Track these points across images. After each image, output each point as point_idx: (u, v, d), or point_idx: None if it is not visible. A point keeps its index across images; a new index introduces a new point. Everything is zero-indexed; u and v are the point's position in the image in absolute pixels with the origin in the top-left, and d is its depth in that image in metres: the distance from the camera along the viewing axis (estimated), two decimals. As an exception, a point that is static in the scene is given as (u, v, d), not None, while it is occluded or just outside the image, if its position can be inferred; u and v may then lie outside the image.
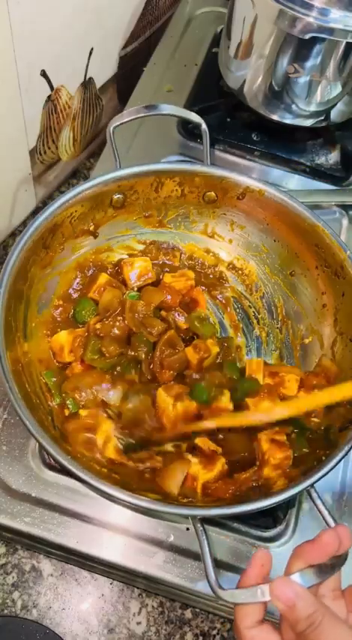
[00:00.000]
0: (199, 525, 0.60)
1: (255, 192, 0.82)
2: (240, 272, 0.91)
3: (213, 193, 0.84)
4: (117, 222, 0.85)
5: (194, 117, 0.83)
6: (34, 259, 0.75)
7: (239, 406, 0.75)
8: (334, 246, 0.77)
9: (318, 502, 0.62)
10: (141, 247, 0.89)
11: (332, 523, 0.60)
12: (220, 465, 0.71)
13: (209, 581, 0.57)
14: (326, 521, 0.61)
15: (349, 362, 0.76)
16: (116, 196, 0.81)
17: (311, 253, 0.81)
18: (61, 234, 0.78)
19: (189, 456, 0.72)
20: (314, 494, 0.63)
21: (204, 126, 0.83)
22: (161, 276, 0.86)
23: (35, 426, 0.62)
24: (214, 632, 0.82)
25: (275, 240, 0.86)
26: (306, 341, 0.84)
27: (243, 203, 0.84)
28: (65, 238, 0.79)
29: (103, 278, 0.82)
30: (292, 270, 0.86)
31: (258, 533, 0.76)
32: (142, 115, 0.80)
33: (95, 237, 0.85)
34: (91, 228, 0.83)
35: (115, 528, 0.75)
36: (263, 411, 0.72)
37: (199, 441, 0.72)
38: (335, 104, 0.96)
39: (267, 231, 0.86)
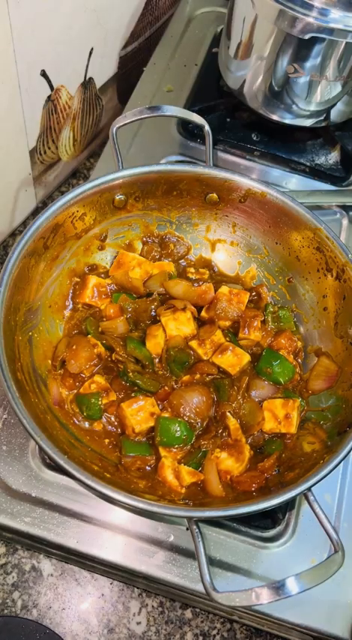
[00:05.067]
0: (195, 527, 0.60)
1: (257, 194, 0.82)
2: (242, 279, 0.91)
3: (215, 195, 0.85)
4: (118, 222, 0.85)
5: (197, 118, 0.83)
6: (36, 259, 0.75)
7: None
8: (335, 250, 0.77)
9: (315, 505, 0.62)
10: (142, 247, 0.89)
11: (328, 527, 0.60)
12: (247, 451, 0.73)
13: (204, 584, 0.57)
14: (322, 525, 0.61)
15: (350, 365, 0.76)
16: (118, 197, 0.81)
17: (312, 256, 0.81)
18: (62, 234, 0.78)
19: (217, 451, 0.73)
20: (310, 498, 0.63)
21: (207, 127, 0.83)
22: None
23: (33, 426, 0.63)
24: (214, 632, 0.82)
25: (276, 243, 0.86)
26: (300, 344, 0.84)
27: (245, 205, 0.84)
28: (66, 238, 0.79)
29: (92, 279, 0.83)
30: (290, 277, 0.86)
31: (258, 533, 0.76)
32: (146, 116, 0.80)
33: (102, 240, 0.85)
34: (97, 231, 0.83)
35: (115, 528, 0.75)
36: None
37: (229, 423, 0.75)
38: (335, 104, 0.96)
39: (269, 234, 0.86)
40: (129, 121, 0.80)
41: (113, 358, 0.78)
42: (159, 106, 0.82)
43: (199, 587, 0.72)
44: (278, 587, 0.55)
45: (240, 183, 0.82)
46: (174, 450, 0.73)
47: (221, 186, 0.83)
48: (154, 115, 0.81)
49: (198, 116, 0.84)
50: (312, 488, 0.63)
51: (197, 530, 0.60)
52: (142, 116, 0.80)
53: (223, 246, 0.91)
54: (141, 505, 0.60)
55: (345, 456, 0.64)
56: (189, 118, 0.83)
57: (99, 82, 1.09)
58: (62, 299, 0.82)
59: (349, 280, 0.76)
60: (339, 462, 0.64)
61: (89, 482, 0.60)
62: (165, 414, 0.75)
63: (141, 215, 0.86)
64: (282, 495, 0.62)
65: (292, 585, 0.55)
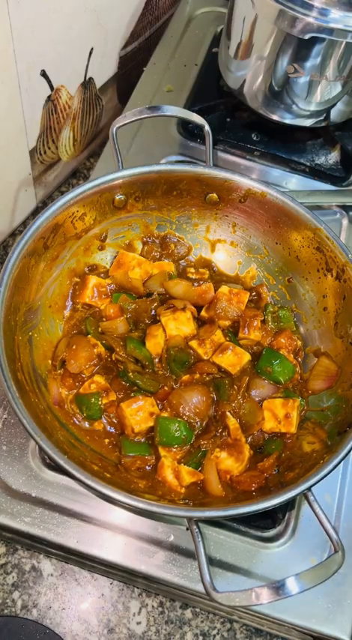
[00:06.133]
0: (195, 527, 0.60)
1: (257, 194, 0.82)
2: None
3: (215, 195, 0.84)
4: (118, 222, 0.85)
5: (197, 118, 0.83)
6: (36, 259, 0.75)
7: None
8: (335, 250, 0.77)
9: (315, 505, 0.62)
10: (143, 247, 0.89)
11: (328, 527, 0.60)
12: (247, 451, 0.74)
13: (204, 584, 0.57)
14: (322, 525, 0.61)
15: (350, 365, 0.76)
16: (118, 197, 0.81)
17: (312, 256, 0.81)
18: (62, 234, 0.78)
19: (217, 451, 0.73)
20: (310, 498, 0.63)
21: (207, 127, 0.83)
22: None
23: (33, 426, 0.63)
24: (214, 632, 0.82)
25: (276, 243, 0.86)
26: (300, 343, 0.84)
27: (245, 205, 0.84)
28: (66, 239, 0.80)
29: (92, 279, 0.83)
30: (290, 277, 0.86)
31: (258, 533, 0.76)
32: (145, 116, 0.80)
33: (102, 240, 0.85)
34: (97, 231, 0.83)
35: (115, 528, 0.75)
36: None
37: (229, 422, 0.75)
38: (335, 104, 0.96)
39: (269, 234, 0.86)
40: (129, 121, 0.80)
41: (113, 358, 0.78)
42: (159, 106, 0.82)
43: (199, 587, 0.72)
44: (278, 587, 0.55)
45: (240, 183, 0.82)
46: (174, 449, 0.73)
47: (221, 186, 0.83)
48: (154, 115, 0.81)
49: (198, 116, 0.84)
50: (312, 488, 0.63)
51: (197, 530, 0.60)
52: (142, 116, 0.81)
53: (223, 246, 0.91)
54: (141, 505, 0.60)
55: (345, 456, 0.64)
56: (189, 118, 0.83)
57: (99, 82, 1.09)
58: (62, 299, 0.82)
59: (349, 280, 0.76)
60: (339, 462, 0.64)
61: (89, 482, 0.60)
62: (165, 414, 0.75)
63: (141, 215, 0.86)
64: (282, 495, 0.62)
65: (292, 585, 0.55)
